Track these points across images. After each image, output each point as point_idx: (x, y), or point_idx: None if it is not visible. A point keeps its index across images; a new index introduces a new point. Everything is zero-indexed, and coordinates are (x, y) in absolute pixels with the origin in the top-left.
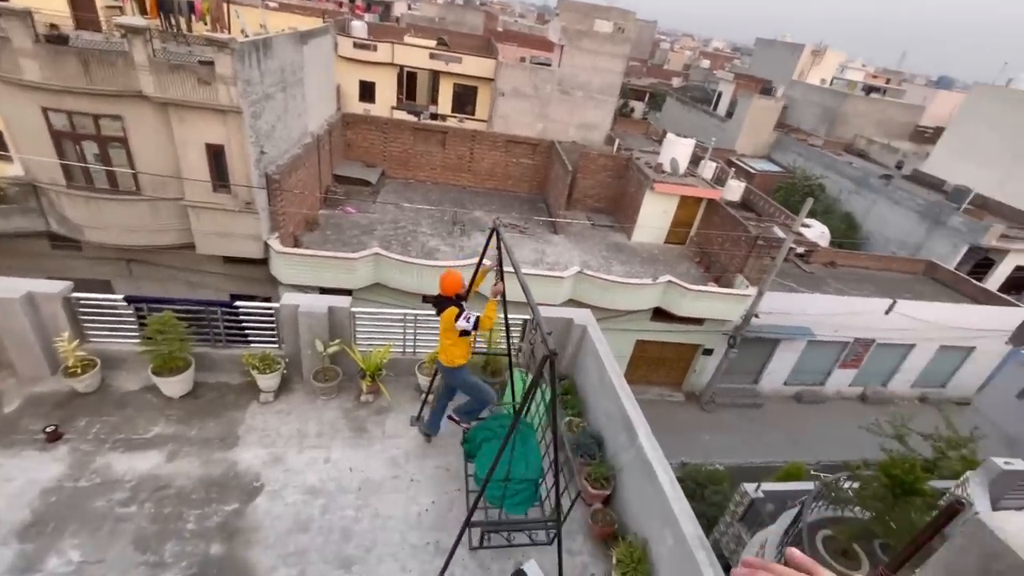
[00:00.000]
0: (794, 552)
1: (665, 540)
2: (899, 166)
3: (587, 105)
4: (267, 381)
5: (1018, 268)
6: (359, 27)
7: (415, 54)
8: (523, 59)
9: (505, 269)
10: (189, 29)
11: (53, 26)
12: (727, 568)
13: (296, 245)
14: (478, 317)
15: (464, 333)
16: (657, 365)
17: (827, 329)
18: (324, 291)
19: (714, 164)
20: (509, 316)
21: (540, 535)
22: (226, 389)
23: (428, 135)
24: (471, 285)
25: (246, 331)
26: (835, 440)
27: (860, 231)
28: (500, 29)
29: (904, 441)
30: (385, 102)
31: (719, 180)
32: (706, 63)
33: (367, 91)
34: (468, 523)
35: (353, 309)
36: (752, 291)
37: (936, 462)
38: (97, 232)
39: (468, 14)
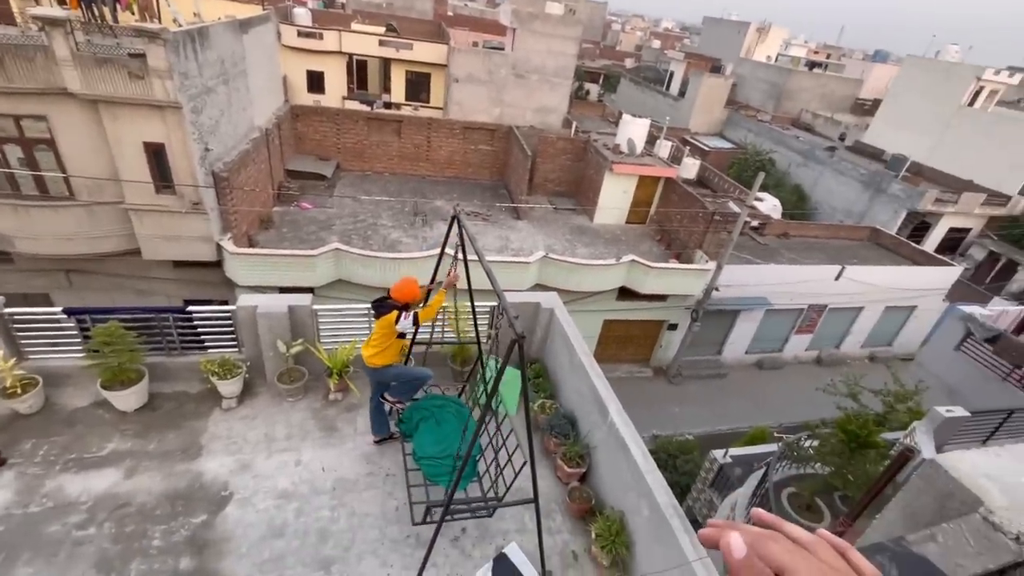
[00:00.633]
0: (760, 512)
1: (641, 511)
2: (842, 138)
3: (543, 88)
4: (228, 387)
5: (952, 230)
6: (302, 14)
7: (364, 41)
8: (476, 44)
9: (469, 257)
10: (115, 19)
11: None
12: None
13: (251, 245)
14: (416, 313)
15: (401, 335)
16: (625, 343)
17: (783, 298)
18: (284, 291)
19: (669, 143)
20: (476, 304)
21: (481, 510)
22: (185, 398)
23: (382, 125)
24: (432, 280)
25: (202, 337)
26: (795, 402)
27: (809, 202)
28: (450, 13)
29: (857, 399)
30: (335, 92)
31: (675, 158)
32: (657, 43)
33: (316, 81)
34: (410, 500)
35: (315, 307)
36: (711, 265)
37: (886, 415)
38: (29, 242)
39: None
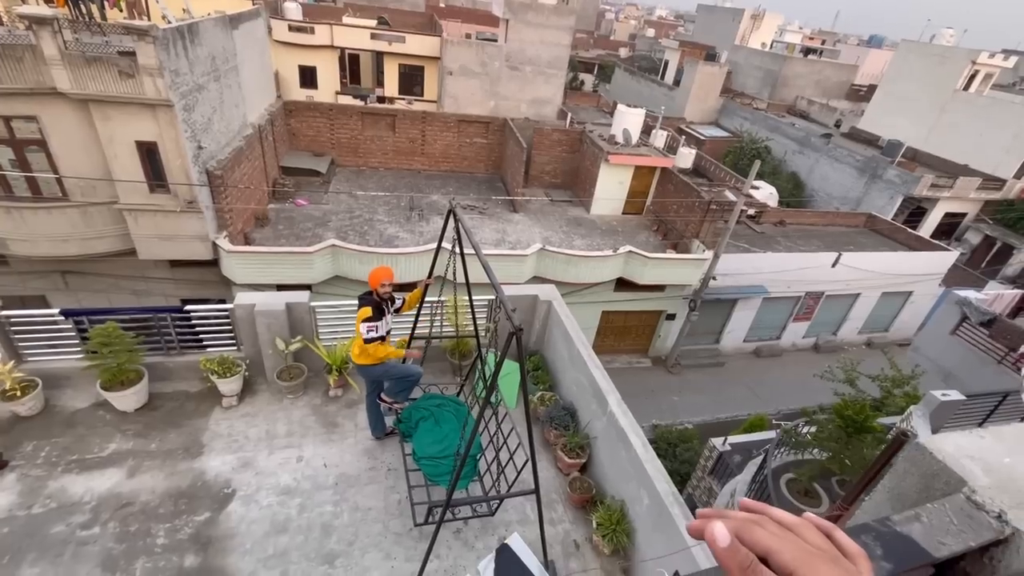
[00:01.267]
0: (745, 500)
1: (642, 500)
2: (838, 124)
3: (537, 80)
4: (228, 385)
5: (948, 215)
6: (293, 8)
7: (356, 35)
8: (468, 35)
9: (466, 251)
10: (103, 17)
11: None
12: None
13: (247, 243)
14: (384, 334)
15: (367, 340)
16: (623, 334)
17: (780, 286)
18: (282, 288)
19: (665, 133)
20: (475, 298)
21: (483, 508)
22: (185, 398)
23: (377, 119)
24: (430, 273)
25: (200, 336)
26: (793, 390)
27: (805, 189)
28: (442, 5)
29: (854, 384)
30: (328, 87)
31: (671, 148)
32: (651, 32)
33: (308, 76)
34: (411, 501)
35: (312, 303)
36: (708, 255)
37: (883, 400)
38: (23, 244)
39: None
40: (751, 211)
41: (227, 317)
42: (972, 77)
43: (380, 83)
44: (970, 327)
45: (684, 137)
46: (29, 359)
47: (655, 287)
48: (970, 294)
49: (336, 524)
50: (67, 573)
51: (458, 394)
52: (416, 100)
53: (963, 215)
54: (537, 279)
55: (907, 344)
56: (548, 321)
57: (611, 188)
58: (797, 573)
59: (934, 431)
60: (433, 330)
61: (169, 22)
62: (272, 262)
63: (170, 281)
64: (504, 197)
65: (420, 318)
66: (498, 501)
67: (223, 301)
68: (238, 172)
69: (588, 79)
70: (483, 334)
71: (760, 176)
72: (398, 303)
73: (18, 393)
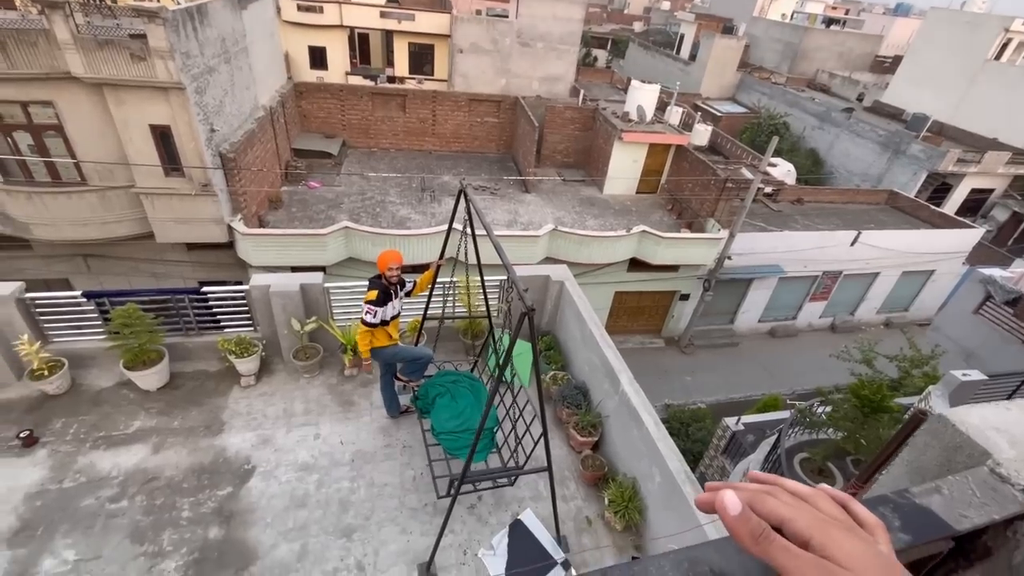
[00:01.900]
0: (755, 473)
1: (653, 477)
2: (860, 98)
3: (549, 57)
4: (246, 365)
5: (974, 191)
6: None
7: (365, 13)
8: (479, 11)
9: (477, 232)
10: (113, 0)
11: None
12: None
13: (261, 225)
14: (389, 319)
15: (365, 324)
16: (636, 314)
17: (797, 265)
18: (296, 270)
19: (680, 109)
20: (487, 278)
21: (502, 479)
22: (204, 377)
23: (387, 99)
24: (441, 254)
25: (218, 317)
26: (808, 370)
27: (824, 166)
28: None
29: (872, 365)
30: (338, 68)
31: (686, 125)
32: (667, 5)
33: (318, 57)
34: (433, 475)
35: (326, 284)
36: (724, 234)
37: (901, 381)
38: (45, 229)
39: None
40: (768, 189)
41: (243, 298)
42: (1004, 46)
43: (390, 62)
44: (994, 306)
45: (700, 113)
46: (55, 340)
47: (669, 267)
48: (995, 272)
49: (353, 499)
50: (98, 544)
51: (472, 370)
52: (426, 79)
53: (990, 191)
54: (549, 260)
55: (927, 324)
56: (560, 301)
57: (625, 167)
58: (812, 541)
59: None
60: (446, 311)
61: (178, 3)
62: (286, 244)
63: (187, 264)
64: (516, 177)
65: (433, 299)
66: (517, 472)
67: (239, 283)
68: (251, 155)
69: (601, 55)
70: (495, 315)
71: (778, 153)
72: (408, 287)
73: (46, 372)
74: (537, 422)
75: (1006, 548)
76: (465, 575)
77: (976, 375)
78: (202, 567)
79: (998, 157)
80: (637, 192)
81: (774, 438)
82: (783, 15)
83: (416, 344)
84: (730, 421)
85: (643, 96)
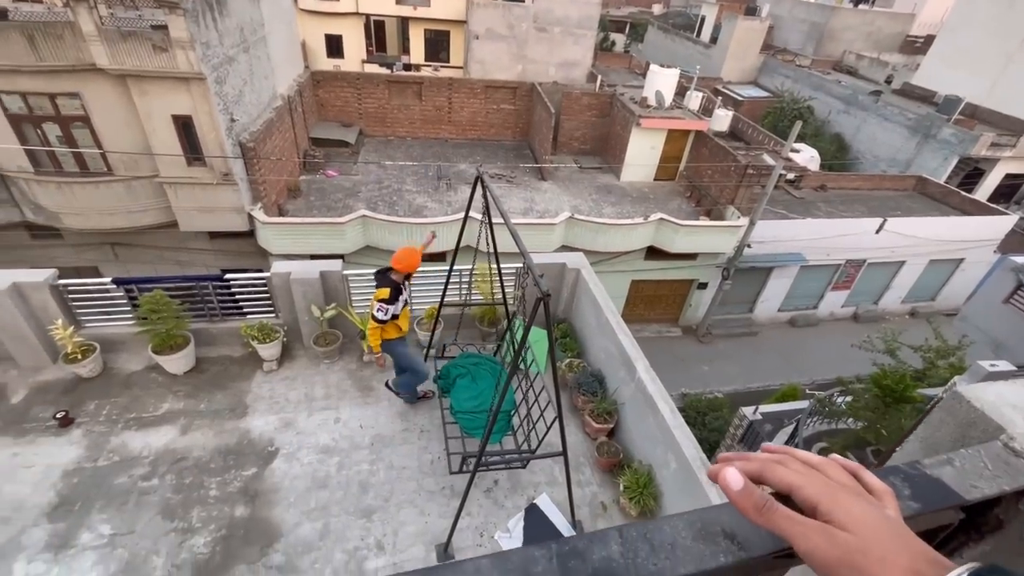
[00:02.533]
0: (768, 445)
1: (669, 464)
2: (889, 80)
3: (566, 42)
4: (268, 350)
5: (1008, 176)
6: None
7: (380, 0)
8: None
9: (493, 219)
10: None
11: None
12: None
13: (281, 213)
14: (398, 312)
15: (377, 320)
16: (653, 303)
17: (819, 253)
18: (315, 258)
19: (700, 94)
20: (503, 266)
21: (515, 462)
22: (229, 362)
23: (403, 87)
24: (457, 244)
25: (240, 304)
26: (829, 360)
27: (850, 152)
28: None
29: (895, 355)
30: (354, 56)
31: (706, 110)
32: None
33: (334, 45)
34: (447, 451)
35: (345, 272)
36: (744, 221)
37: (925, 372)
38: (75, 218)
39: None
40: (790, 176)
41: (264, 285)
42: None
43: (406, 50)
44: None
45: (720, 98)
46: (87, 325)
47: (687, 255)
48: None
49: (372, 481)
50: (132, 520)
51: (495, 354)
52: (442, 66)
53: None
54: (566, 248)
55: (954, 314)
56: (576, 289)
57: (642, 153)
58: (819, 507)
59: None
60: (462, 298)
61: None
62: (305, 233)
63: (210, 252)
64: (532, 165)
65: (450, 286)
66: (529, 454)
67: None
68: (270, 144)
69: (619, 39)
70: (511, 302)
71: (801, 138)
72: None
73: (79, 356)
74: (551, 408)
75: (1018, 520)
76: None
77: (1004, 365)
78: (229, 543)
79: None
80: (655, 179)
81: (792, 427)
82: None
83: (433, 332)
84: (747, 410)
85: (662, 81)
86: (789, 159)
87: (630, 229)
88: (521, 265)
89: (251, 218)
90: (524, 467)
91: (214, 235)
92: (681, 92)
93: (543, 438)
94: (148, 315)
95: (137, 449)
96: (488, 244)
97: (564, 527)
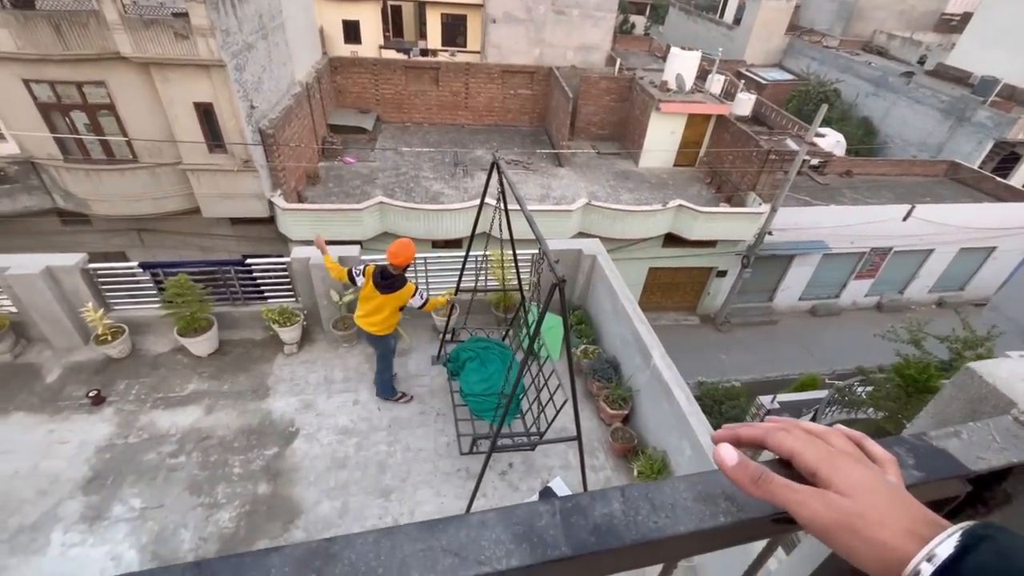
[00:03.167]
0: (773, 417)
1: (683, 451)
2: (921, 61)
3: (584, 24)
4: (289, 334)
5: None
6: None
7: None
8: None
9: (509, 206)
10: None
11: None
12: None
13: (300, 200)
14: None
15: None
16: (671, 291)
17: (843, 241)
18: (334, 244)
19: (722, 77)
20: (518, 252)
21: (524, 444)
22: (251, 345)
23: (420, 73)
24: (472, 232)
25: (262, 288)
26: (851, 350)
27: (878, 136)
28: None
29: (920, 345)
30: (372, 41)
31: (728, 94)
32: None
33: (352, 31)
34: (457, 433)
35: (363, 257)
36: (765, 208)
37: (951, 363)
38: (102, 204)
39: None
40: (814, 161)
41: (285, 270)
42: None
43: (423, 35)
44: None
45: (743, 82)
46: (116, 307)
47: (706, 243)
48: None
49: (390, 462)
50: (161, 494)
51: (503, 339)
52: (459, 51)
53: None
54: (582, 235)
55: (984, 304)
56: (592, 276)
57: (662, 138)
58: (819, 472)
59: None
60: (478, 284)
61: None
62: (324, 219)
63: (232, 238)
64: (549, 151)
65: (465, 272)
66: (538, 437)
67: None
68: (289, 131)
69: (639, 21)
70: (526, 288)
71: (827, 122)
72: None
73: (109, 338)
74: (561, 392)
75: None
76: None
77: None
78: (253, 519)
79: None
80: (675, 165)
81: (810, 416)
82: None
83: (449, 317)
84: (765, 399)
85: (683, 64)
86: (813, 144)
87: (648, 216)
88: (537, 251)
89: (271, 204)
90: (532, 449)
91: (236, 221)
92: (702, 75)
93: (552, 421)
94: (173, 298)
95: (165, 427)
96: (502, 231)
97: None
